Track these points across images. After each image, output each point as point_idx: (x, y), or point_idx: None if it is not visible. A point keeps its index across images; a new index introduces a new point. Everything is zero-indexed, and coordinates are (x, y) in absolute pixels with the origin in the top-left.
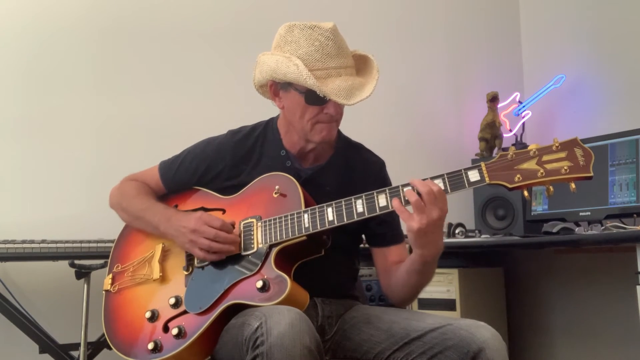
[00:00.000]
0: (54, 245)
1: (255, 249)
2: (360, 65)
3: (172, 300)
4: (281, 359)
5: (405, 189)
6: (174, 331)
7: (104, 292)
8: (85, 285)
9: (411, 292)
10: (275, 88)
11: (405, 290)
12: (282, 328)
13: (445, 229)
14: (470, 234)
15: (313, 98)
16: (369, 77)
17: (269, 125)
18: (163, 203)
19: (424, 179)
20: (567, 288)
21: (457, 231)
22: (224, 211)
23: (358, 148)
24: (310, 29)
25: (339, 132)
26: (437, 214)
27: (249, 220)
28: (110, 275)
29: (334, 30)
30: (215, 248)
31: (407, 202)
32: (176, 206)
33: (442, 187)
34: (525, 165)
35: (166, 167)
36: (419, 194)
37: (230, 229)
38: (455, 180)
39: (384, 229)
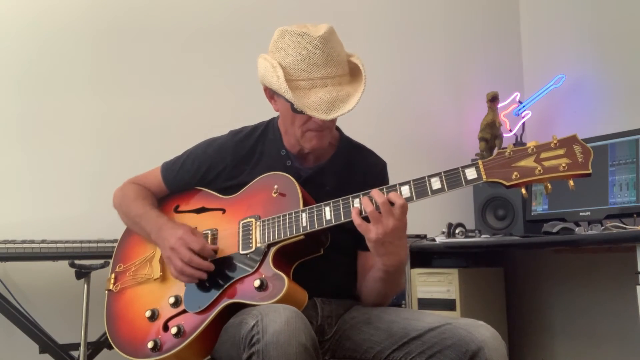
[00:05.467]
0: (54, 245)
1: (253, 248)
2: (356, 71)
3: (172, 300)
4: (277, 356)
5: (363, 199)
6: (173, 330)
7: (106, 291)
8: (85, 285)
9: (378, 299)
10: (270, 92)
11: (372, 296)
12: (277, 326)
13: (445, 229)
14: (470, 234)
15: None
16: (358, 87)
17: (270, 125)
18: (161, 207)
19: (390, 187)
20: (567, 288)
21: (457, 231)
22: (224, 211)
23: (360, 149)
24: (300, 37)
25: (340, 132)
26: (392, 224)
27: (248, 219)
28: (113, 275)
29: (324, 37)
30: (187, 272)
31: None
32: (177, 206)
33: (440, 186)
34: (523, 163)
35: (168, 168)
36: (376, 204)
37: (210, 253)
38: (453, 178)
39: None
